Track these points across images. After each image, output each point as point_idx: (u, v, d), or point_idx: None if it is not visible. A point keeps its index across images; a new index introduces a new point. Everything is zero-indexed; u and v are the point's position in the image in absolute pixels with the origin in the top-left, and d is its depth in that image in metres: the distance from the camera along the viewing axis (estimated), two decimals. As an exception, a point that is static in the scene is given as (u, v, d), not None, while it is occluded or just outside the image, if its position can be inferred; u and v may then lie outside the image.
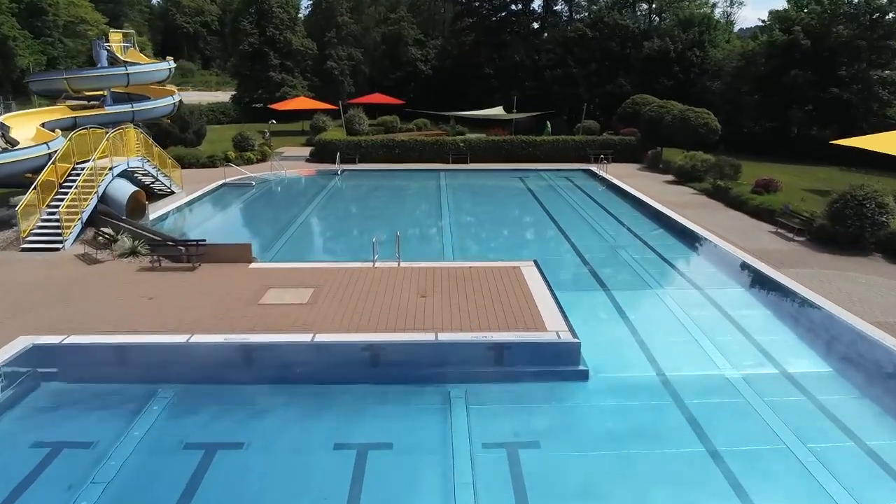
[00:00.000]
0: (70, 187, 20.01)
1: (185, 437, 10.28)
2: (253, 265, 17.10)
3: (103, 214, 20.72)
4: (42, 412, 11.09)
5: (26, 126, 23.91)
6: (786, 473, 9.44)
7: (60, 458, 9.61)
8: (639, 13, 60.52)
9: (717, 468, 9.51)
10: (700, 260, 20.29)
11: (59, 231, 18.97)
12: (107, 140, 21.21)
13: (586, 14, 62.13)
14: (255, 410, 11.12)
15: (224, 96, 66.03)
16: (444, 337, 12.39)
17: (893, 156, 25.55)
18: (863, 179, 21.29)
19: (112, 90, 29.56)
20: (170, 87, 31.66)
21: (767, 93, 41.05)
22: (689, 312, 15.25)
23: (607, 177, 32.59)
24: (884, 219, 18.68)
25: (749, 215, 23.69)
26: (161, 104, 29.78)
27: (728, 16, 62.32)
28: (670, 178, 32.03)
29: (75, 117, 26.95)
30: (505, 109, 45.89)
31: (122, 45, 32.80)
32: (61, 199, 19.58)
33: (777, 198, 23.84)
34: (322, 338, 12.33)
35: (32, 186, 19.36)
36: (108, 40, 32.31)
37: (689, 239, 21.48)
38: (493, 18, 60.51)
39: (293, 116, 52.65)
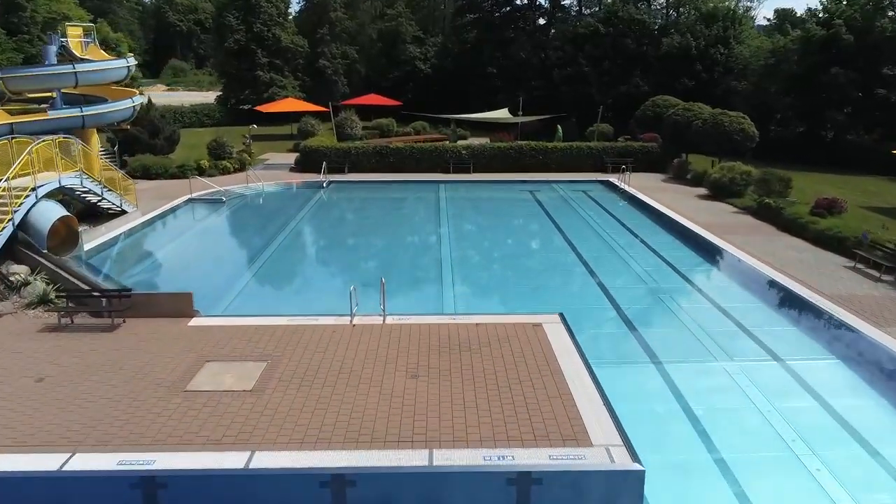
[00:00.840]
0: (-26, 213, 16.00)
1: None
2: (194, 321, 13.13)
3: (23, 247, 16.78)
4: None
5: (-57, 135, 19.95)
6: None
7: None
8: (654, 7, 56.34)
9: None
10: (773, 313, 15.21)
11: (-45, 271, 14.95)
12: (28, 153, 17.16)
13: (597, 8, 58.06)
14: None
15: (214, 97, 61.80)
16: (442, 458, 8.42)
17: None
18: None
19: (63, 91, 25.71)
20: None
21: (801, 93, 37.08)
22: (775, 404, 10.92)
23: (630, 190, 28.56)
24: None
25: (811, 242, 19.66)
26: (117, 107, 25.85)
27: (747, 10, 57.88)
28: (702, 191, 27.95)
29: (11, 123, 23.02)
30: (510, 111, 41.85)
31: (81, 40, 28.92)
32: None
33: (845, 222, 19.80)
34: (262, 460, 8.34)
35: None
36: (64, 35, 28.57)
37: (751, 280, 16.93)
38: (497, 14, 56.88)
39: (282, 119, 48.59)
